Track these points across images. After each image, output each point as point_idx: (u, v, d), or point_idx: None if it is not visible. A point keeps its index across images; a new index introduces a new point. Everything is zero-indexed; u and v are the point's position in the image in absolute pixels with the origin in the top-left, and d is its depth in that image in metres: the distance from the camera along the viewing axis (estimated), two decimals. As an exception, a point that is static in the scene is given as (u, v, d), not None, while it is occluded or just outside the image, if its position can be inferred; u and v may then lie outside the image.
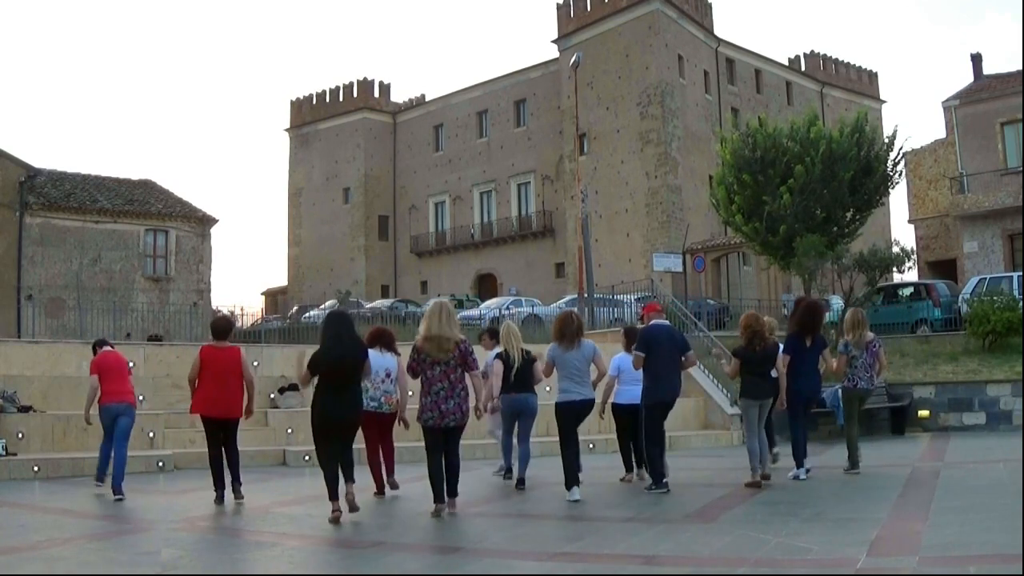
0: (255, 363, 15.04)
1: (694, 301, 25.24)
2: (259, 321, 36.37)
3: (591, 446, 12.56)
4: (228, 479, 8.29)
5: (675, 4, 41.06)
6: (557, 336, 8.02)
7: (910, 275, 27.97)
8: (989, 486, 8.11)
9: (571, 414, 7.94)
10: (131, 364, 14.06)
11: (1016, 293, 19.09)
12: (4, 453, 10.85)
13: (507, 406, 8.95)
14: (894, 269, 24.72)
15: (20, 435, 11.37)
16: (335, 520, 6.77)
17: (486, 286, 47.41)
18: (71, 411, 12.35)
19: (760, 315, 9.06)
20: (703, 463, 10.57)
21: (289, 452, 12.45)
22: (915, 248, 29.59)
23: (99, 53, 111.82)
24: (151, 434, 12.16)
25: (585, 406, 8.01)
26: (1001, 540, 5.27)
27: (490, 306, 32.93)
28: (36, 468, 10.66)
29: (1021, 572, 4.37)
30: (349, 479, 7.03)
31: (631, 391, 8.90)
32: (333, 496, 6.89)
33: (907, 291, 23.78)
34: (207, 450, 8.43)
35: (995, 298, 17.57)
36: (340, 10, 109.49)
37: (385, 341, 8.52)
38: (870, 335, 9.34)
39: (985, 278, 21.86)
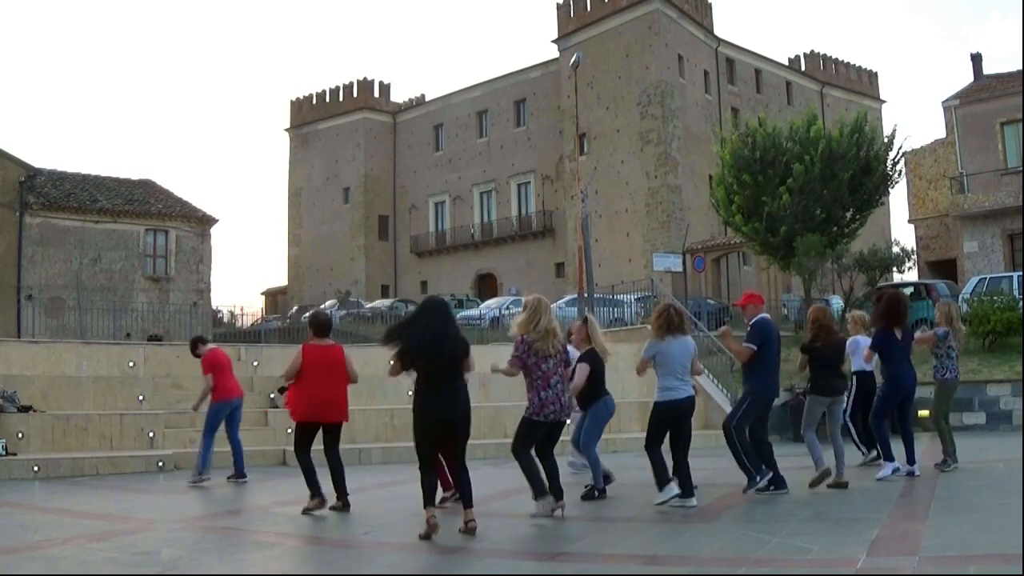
0: (255, 363, 15.09)
1: (694, 301, 25.25)
2: (259, 321, 36.43)
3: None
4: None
5: (675, 4, 41.06)
6: (665, 327, 7.31)
7: (910, 275, 28.02)
8: (989, 486, 8.10)
9: (676, 414, 7.36)
10: (131, 364, 14.25)
11: (1016, 293, 19.08)
12: (4, 453, 10.85)
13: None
14: (894, 269, 24.76)
15: (20, 435, 11.37)
16: (431, 530, 6.02)
17: (486, 286, 47.42)
18: (71, 411, 12.37)
19: (827, 308, 8.75)
20: (703, 463, 10.55)
21: (289, 452, 12.40)
22: (915, 248, 29.64)
23: (99, 53, 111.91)
24: (151, 434, 12.16)
25: (691, 404, 7.43)
26: (1001, 540, 5.27)
27: (490, 306, 32.96)
28: (36, 468, 10.66)
29: (1021, 572, 4.37)
30: (469, 503, 6.30)
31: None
32: (429, 502, 6.21)
33: (907, 291, 23.76)
34: (297, 455, 7.63)
35: (995, 298, 17.56)
36: (340, 10, 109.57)
37: None
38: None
39: (985, 278, 21.86)
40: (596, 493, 8.10)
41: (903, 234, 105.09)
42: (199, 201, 58.95)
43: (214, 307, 35.20)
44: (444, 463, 7.37)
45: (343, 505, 7.50)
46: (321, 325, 7.90)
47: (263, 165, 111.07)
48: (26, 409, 11.92)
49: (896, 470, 8.47)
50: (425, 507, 6.19)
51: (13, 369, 13.08)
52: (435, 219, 51.88)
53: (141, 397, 13.27)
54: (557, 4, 44.44)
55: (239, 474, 9.99)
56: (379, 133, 54.43)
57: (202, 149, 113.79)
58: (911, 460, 8.59)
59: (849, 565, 4.84)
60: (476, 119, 50.51)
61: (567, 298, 30.79)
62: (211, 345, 10.60)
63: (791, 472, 8.50)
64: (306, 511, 7.34)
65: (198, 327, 28.62)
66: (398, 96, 56.76)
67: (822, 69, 50.75)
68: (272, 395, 14.05)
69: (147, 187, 35.10)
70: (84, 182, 33.30)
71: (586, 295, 21.99)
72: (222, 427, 10.05)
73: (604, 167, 41.27)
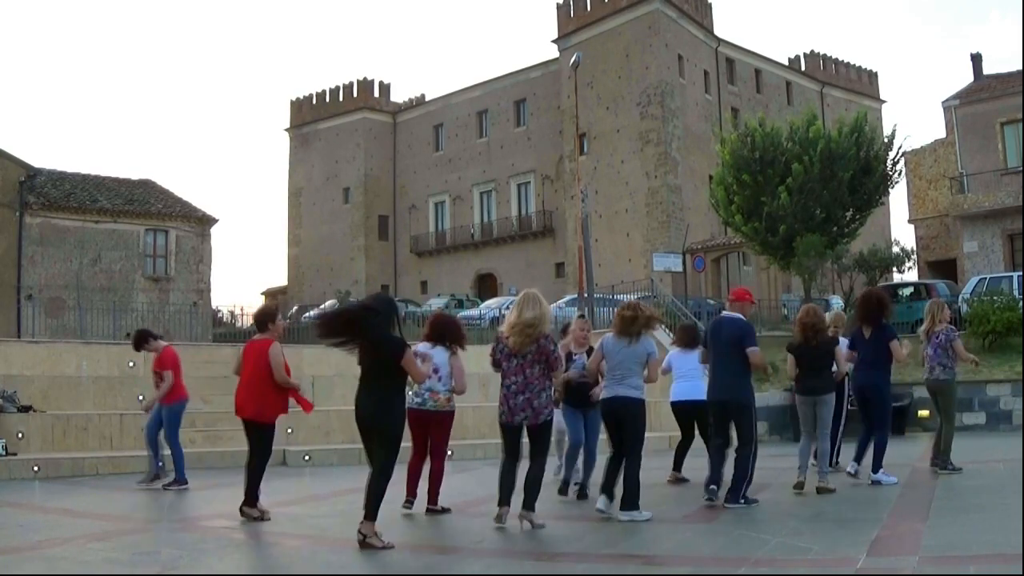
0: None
1: (694, 301, 25.24)
2: (259, 321, 36.33)
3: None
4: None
5: (675, 4, 41.06)
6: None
7: (910, 275, 28.07)
8: (989, 486, 8.09)
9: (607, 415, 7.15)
10: (131, 364, 14.25)
11: (1016, 293, 19.08)
12: (4, 453, 10.85)
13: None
14: (894, 269, 24.81)
15: (20, 435, 11.37)
16: (363, 541, 5.85)
17: (486, 286, 47.41)
18: (71, 411, 12.37)
19: (817, 308, 8.59)
20: (703, 463, 10.55)
21: (289, 452, 12.46)
22: (915, 248, 29.67)
23: (99, 53, 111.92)
24: (151, 434, 12.14)
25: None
26: (1001, 540, 5.27)
27: (490, 306, 32.96)
28: (36, 468, 10.66)
29: (1021, 572, 4.37)
30: (368, 515, 5.88)
31: (680, 387, 8.90)
32: (368, 514, 5.96)
33: (907, 291, 23.78)
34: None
35: (995, 298, 17.56)
36: (340, 10, 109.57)
37: (438, 333, 7.53)
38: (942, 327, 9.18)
39: (985, 278, 21.84)
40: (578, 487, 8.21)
41: (903, 234, 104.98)
42: (199, 201, 58.84)
43: (214, 307, 35.22)
44: (429, 466, 7.45)
45: (260, 516, 7.15)
46: (256, 320, 7.94)
47: (263, 165, 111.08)
48: (26, 409, 11.93)
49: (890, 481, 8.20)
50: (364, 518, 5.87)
51: (13, 369, 13.09)
52: (435, 219, 51.87)
53: (141, 397, 13.22)
54: (557, 4, 44.44)
55: (181, 480, 9.35)
56: (379, 133, 54.43)
57: (202, 149, 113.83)
58: (876, 466, 8.22)
59: (849, 565, 4.84)
60: (476, 119, 50.50)
61: (567, 298, 30.76)
62: (163, 342, 9.97)
63: (788, 472, 8.51)
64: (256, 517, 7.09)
65: (198, 327, 28.66)
66: (398, 96, 56.79)
67: (822, 69, 50.72)
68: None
69: (147, 187, 35.08)
70: (84, 182, 33.28)
71: (586, 295, 22.00)
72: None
73: (604, 167, 41.27)
